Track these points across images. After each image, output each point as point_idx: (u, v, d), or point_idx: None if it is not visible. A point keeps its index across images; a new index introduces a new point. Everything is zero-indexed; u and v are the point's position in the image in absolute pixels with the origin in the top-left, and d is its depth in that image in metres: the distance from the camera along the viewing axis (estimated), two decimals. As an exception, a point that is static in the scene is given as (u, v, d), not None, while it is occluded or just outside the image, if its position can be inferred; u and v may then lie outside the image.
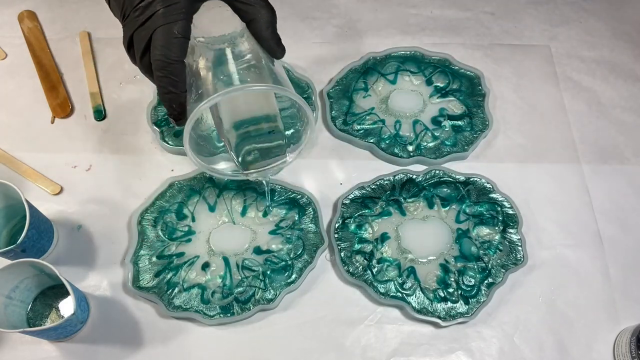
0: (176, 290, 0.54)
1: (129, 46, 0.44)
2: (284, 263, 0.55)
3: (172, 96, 0.43)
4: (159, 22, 0.41)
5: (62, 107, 0.65)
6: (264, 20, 0.45)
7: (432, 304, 0.54)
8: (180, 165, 0.62)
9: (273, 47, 0.46)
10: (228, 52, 0.46)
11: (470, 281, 0.55)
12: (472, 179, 0.60)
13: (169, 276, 0.55)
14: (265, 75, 0.46)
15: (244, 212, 0.58)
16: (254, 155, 0.50)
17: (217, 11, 0.46)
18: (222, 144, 0.54)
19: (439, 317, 0.53)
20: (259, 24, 0.45)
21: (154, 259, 0.55)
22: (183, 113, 0.44)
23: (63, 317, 0.52)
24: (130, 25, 0.43)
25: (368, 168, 0.62)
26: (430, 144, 0.63)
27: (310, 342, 0.53)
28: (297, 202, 0.58)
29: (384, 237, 0.57)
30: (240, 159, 0.50)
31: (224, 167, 0.53)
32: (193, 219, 0.58)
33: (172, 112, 0.45)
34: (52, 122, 0.65)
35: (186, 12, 0.42)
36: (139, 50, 0.43)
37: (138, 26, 0.42)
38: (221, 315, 0.53)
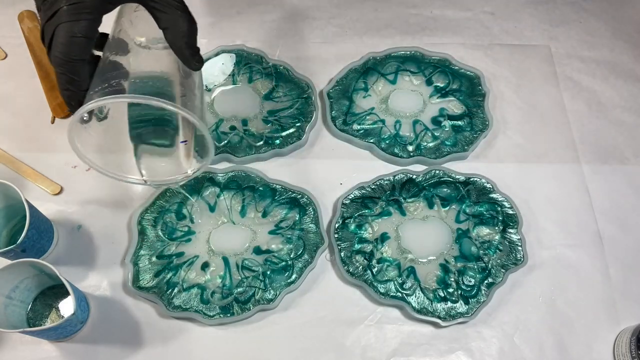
0: (176, 290, 0.54)
1: (43, 37, 0.44)
2: (284, 263, 0.55)
3: (70, 93, 0.43)
4: (62, 19, 0.41)
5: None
6: (179, 30, 0.43)
7: (432, 304, 0.54)
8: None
9: (187, 59, 0.45)
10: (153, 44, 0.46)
11: (470, 281, 0.55)
12: (472, 179, 0.60)
13: (168, 276, 0.55)
14: (171, 87, 0.45)
15: (243, 212, 0.58)
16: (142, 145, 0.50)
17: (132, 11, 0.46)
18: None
19: (439, 317, 0.53)
20: (174, 34, 0.44)
21: (154, 259, 0.55)
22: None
23: (63, 317, 0.52)
24: (42, 17, 0.42)
25: (368, 168, 0.62)
26: (430, 144, 0.63)
27: (310, 342, 0.53)
28: (298, 202, 0.58)
29: (384, 237, 0.57)
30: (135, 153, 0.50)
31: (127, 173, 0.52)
32: (192, 220, 0.58)
33: (70, 108, 0.44)
34: (52, 122, 0.65)
35: (92, 12, 0.41)
36: (46, 44, 0.43)
37: (46, 20, 0.42)
38: (221, 315, 0.53)
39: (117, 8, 0.46)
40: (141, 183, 0.52)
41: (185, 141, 0.50)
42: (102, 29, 0.44)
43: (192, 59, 0.45)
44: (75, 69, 0.42)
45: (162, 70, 0.46)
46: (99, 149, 0.49)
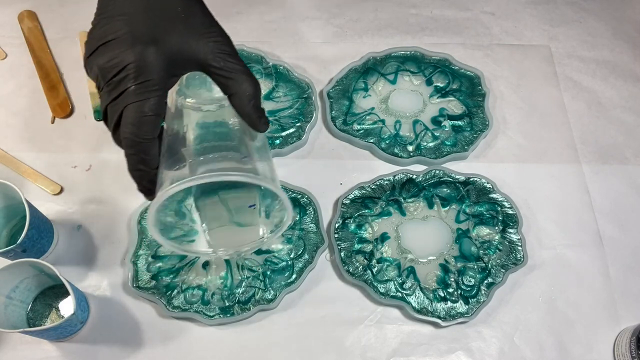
0: (176, 290, 0.54)
1: (105, 117, 0.42)
2: (284, 263, 0.55)
3: (142, 174, 0.42)
4: (129, 100, 0.39)
5: (62, 107, 0.65)
6: (245, 94, 0.43)
7: (432, 304, 0.54)
8: (180, 165, 0.62)
9: (254, 122, 0.44)
10: (215, 115, 0.45)
11: (470, 281, 0.55)
12: (472, 179, 0.60)
13: (168, 276, 0.55)
14: (245, 147, 0.44)
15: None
16: (223, 228, 0.49)
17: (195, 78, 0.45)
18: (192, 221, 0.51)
19: (439, 317, 0.53)
20: (241, 99, 0.43)
21: (153, 258, 0.55)
22: (153, 189, 0.43)
23: (63, 317, 0.52)
24: (104, 98, 0.41)
25: (368, 168, 0.62)
26: (430, 144, 0.63)
27: (310, 342, 0.53)
28: (298, 202, 0.58)
29: (384, 237, 0.57)
30: (208, 235, 0.48)
31: (197, 246, 0.50)
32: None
33: (141, 188, 0.43)
34: (52, 122, 0.65)
35: (159, 88, 0.40)
36: (111, 124, 0.41)
37: (110, 100, 0.40)
38: (221, 316, 0.53)
39: None
40: (211, 255, 0.50)
41: (254, 205, 0.48)
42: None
43: (259, 121, 0.44)
44: (147, 148, 0.41)
45: (227, 133, 0.45)
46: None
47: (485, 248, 0.57)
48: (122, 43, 0.39)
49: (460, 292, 0.54)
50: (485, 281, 0.55)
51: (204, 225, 0.49)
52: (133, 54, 0.39)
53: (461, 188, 0.60)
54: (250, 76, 0.43)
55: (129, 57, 0.39)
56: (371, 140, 0.63)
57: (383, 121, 0.64)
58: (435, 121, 0.64)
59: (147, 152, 0.41)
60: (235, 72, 0.42)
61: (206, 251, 0.50)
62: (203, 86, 0.46)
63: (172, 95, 0.46)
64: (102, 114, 0.42)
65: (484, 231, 0.58)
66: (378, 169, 0.62)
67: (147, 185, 0.42)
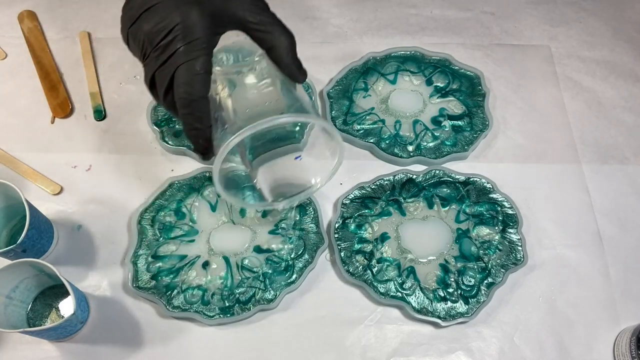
0: (176, 290, 0.54)
1: (151, 85, 0.44)
2: (285, 263, 0.55)
3: (198, 132, 0.43)
4: (180, 60, 0.41)
5: (62, 107, 0.65)
6: (283, 47, 0.44)
7: (432, 304, 0.54)
8: (180, 165, 0.62)
9: (294, 72, 0.46)
10: (248, 78, 0.46)
11: (470, 281, 0.55)
12: (472, 179, 0.60)
13: (168, 276, 0.55)
14: (287, 97, 0.45)
15: (243, 212, 0.58)
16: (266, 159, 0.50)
17: (232, 39, 0.46)
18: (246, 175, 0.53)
19: (439, 317, 0.53)
20: (279, 51, 0.45)
21: (153, 258, 0.55)
22: (210, 148, 0.44)
23: (63, 317, 0.52)
24: (151, 64, 0.42)
25: (368, 168, 0.62)
26: (430, 144, 0.63)
27: (310, 342, 0.53)
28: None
29: (384, 237, 0.57)
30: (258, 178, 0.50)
31: (252, 198, 0.52)
32: (193, 219, 0.58)
33: (198, 147, 0.44)
34: (52, 122, 0.65)
35: (207, 47, 0.42)
36: (162, 88, 0.42)
37: (160, 65, 0.41)
38: (221, 316, 0.53)
39: None
40: (270, 205, 0.52)
41: (299, 156, 0.50)
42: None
43: (298, 72, 0.46)
44: (201, 105, 0.42)
45: (269, 91, 0.47)
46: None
47: (485, 248, 0.57)
48: (166, 7, 0.41)
49: (460, 292, 0.54)
50: (485, 281, 0.55)
51: (257, 180, 0.50)
52: (179, 15, 0.40)
53: (461, 188, 0.60)
54: (285, 29, 0.45)
55: (175, 18, 0.40)
56: (371, 140, 0.63)
57: (383, 121, 0.64)
58: (435, 121, 0.64)
59: (202, 110, 0.42)
60: (271, 25, 0.44)
61: (265, 204, 0.52)
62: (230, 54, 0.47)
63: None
64: (148, 83, 0.43)
65: (484, 231, 0.58)
66: (378, 169, 0.62)
67: (204, 144, 0.44)
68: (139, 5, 0.42)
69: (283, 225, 0.57)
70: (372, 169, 0.62)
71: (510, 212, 0.58)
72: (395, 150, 0.62)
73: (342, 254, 0.56)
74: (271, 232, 0.57)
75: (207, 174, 0.60)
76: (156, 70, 0.42)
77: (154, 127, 0.63)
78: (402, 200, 0.59)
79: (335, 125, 0.64)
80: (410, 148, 0.62)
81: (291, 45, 0.45)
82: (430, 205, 0.59)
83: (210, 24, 0.42)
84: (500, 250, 0.57)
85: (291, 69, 0.45)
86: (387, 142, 0.63)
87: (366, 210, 0.58)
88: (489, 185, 0.60)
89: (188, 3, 0.41)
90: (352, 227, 0.57)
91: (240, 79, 0.46)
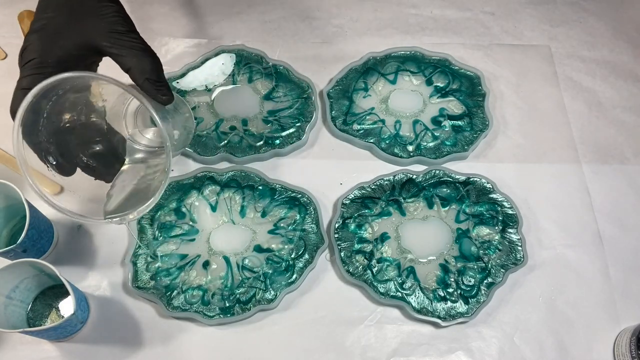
0: (176, 290, 0.54)
1: None
2: (285, 263, 0.55)
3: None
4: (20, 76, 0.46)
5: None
6: (138, 69, 0.44)
7: (432, 304, 0.54)
8: (180, 165, 0.62)
9: (152, 93, 0.46)
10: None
11: (470, 281, 0.55)
12: (472, 179, 0.60)
13: (168, 276, 0.55)
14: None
15: (242, 212, 0.58)
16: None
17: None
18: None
19: (439, 317, 0.53)
20: (134, 73, 0.45)
21: (153, 258, 0.55)
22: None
23: (63, 317, 0.52)
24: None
25: (368, 168, 0.62)
26: (430, 144, 0.63)
27: (310, 342, 0.53)
28: (298, 202, 0.58)
29: (383, 237, 0.57)
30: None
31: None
32: (193, 219, 0.58)
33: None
34: (52, 122, 0.65)
35: (38, 68, 0.45)
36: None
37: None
38: (221, 316, 0.53)
39: None
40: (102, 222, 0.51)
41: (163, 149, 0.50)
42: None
43: (156, 94, 0.46)
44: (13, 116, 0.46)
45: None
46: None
47: (485, 248, 0.57)
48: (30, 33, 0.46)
49: (460, 292, 0.54)
50: (485, 281, 0.55)
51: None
52: (25, 41, 0.46)
53: (461, 188, 0.60)
54: (144, 52, 0.45)
55: (25, 43, 0.46)
56: (371, 140, 0.63)
57: (383, 121, 0.64)
58: (435, 121, 0.64)
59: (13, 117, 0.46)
60: (129, 49, 0.45)
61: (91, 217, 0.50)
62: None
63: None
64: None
65: (484, 231, 0.58)
66: (378, 169, 0.62)
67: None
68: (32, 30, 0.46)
69: (282, 224, 0.57)
70: (372, 169, 0.62)
71: (510, 212, 0.58)
72: (395, 150, 0.62)
73: (342, 254, 0.56)
74: (270, 232, 0.57)
75: (208, 174, 0.60)
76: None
77: (154, 127, 0.63)
78: (402, 200, 0.59)
79: (336, 126, 0.64)
80: (410, 148, 0.62)
81: (152, 66, 0.45)
82: (430, 205, 0.59)
83: (54, 49, 0.44)
84: (500, 250, 0.57)
85: (148, 90, 0.45)
86: (387, 142, 0.63)
87: (366, 210, 0.58)
88: (489, 185, 0.60)
89: (34, 30, 0.45)
90: (352, 227, 0.57)
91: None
